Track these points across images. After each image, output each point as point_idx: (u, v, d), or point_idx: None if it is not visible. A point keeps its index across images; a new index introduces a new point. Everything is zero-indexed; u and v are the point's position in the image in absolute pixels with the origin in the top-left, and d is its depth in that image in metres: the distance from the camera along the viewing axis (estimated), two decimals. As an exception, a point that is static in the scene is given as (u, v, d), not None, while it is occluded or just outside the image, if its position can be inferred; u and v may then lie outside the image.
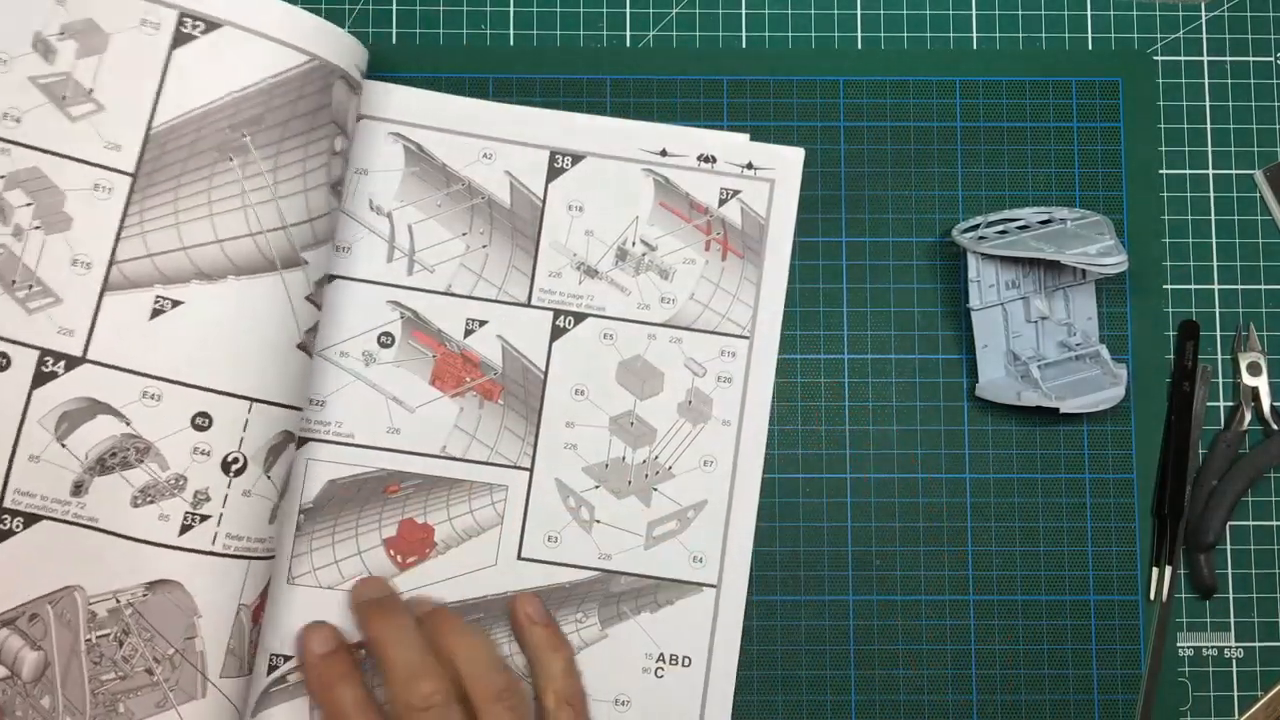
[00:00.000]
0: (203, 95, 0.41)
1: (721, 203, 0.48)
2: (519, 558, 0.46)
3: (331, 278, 0.47)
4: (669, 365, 0.48)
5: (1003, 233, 0.48)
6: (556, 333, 0.47)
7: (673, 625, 0.46)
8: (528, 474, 0.47)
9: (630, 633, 0.46)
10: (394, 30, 0.50)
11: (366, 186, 0.47)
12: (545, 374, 0.47)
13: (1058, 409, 0.46)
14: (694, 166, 0.48)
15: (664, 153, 0.48)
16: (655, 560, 0.47)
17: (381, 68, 0.48)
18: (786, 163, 0.49)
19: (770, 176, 0.49)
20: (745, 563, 0.47)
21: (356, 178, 0.47)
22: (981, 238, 0.48)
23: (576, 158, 0.48)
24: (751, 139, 0.49)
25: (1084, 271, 0.48)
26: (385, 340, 0.47)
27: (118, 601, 0.39)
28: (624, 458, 0.47)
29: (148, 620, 0.39)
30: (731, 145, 0.49)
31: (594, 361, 0.47)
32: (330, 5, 0.50)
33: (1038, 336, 0.49)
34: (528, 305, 0.48)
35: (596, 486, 0.47)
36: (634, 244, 0.48)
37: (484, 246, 0.47)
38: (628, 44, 0.50)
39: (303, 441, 0.46)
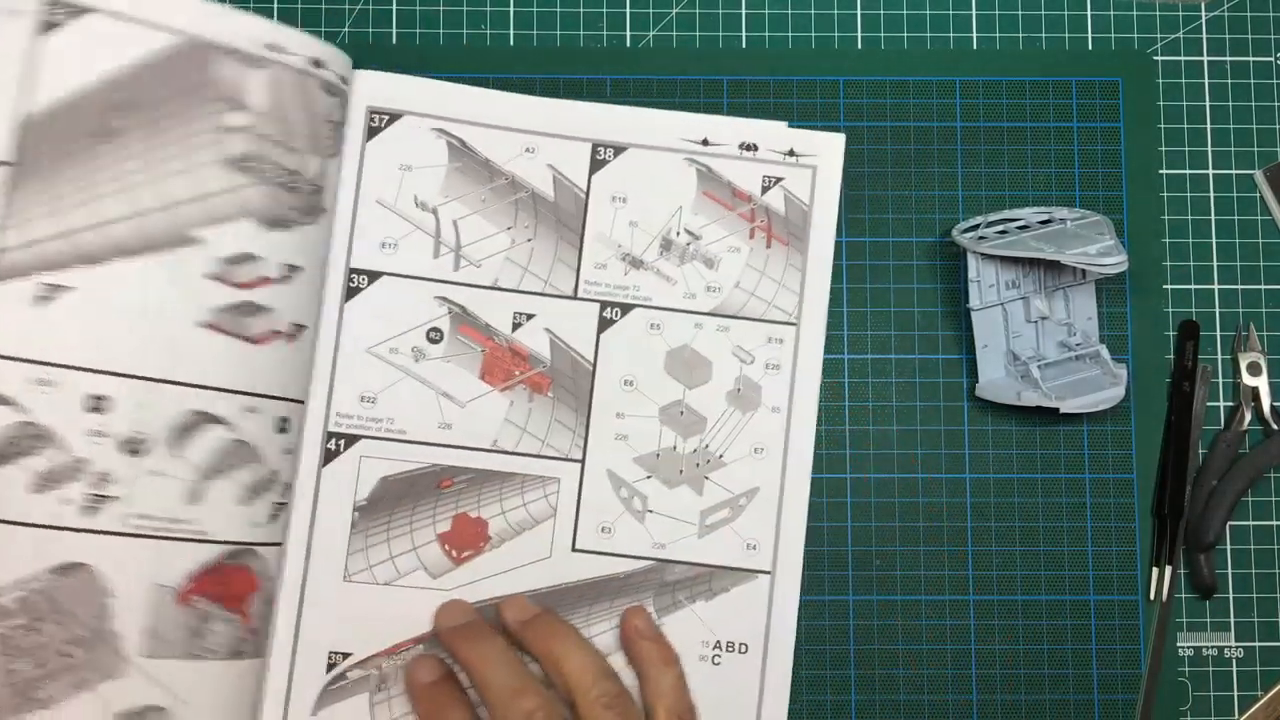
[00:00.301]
0: (74, 81, 0.41)
1: (764, 190, 0.48)
2: (573, 549, 0.46)
3: (378, 274, 0.47)
4: (717, 354, 0.48)
5: (1003, 233, 0.48)
6: (604, 324, 0.48)
7: (728, 612, 0.46)
8: (579, 466, 0.47)
9: (686, 621, 0.46)
10: (394, 30, 0.50)
11: (411, 182, 0.47)
12: (594, 365, 0.47)
13: (1058, 409, 0.46)
14: (736, 155, 0.49)
15: (705, 142, 0.48)
16: (709, 548, 0.47)
17: (382, 68, 0.48)
18: (828, 148, 0.49)
19: (812, 163, 0.49)
20: (799, 548, 0.47)
21: (400, 174, 0.47)
22: (981, 238, 0.48)
23: (619, 149, 0.48)
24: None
25: (1084, 271, 0.48)
26: (434, 336, 0.47)
27: (26, 590, 0.39)
28: (675, 447, 0.47)
29: (60, 604, 0.40)
30: (772, 133, 0.49)
31: (642, 352, 0.47)
32: (330, 5, 0.50)
33: (1038, 336, 0.49)
34: (574, 298, 0.48)
35: (648, 476, 0.47)
36: (678, 234, 0.48)
37: (529, 240, 0.48)
38: (628, 44, 0.50)
39: (355, 439, 0.46)
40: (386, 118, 0.47)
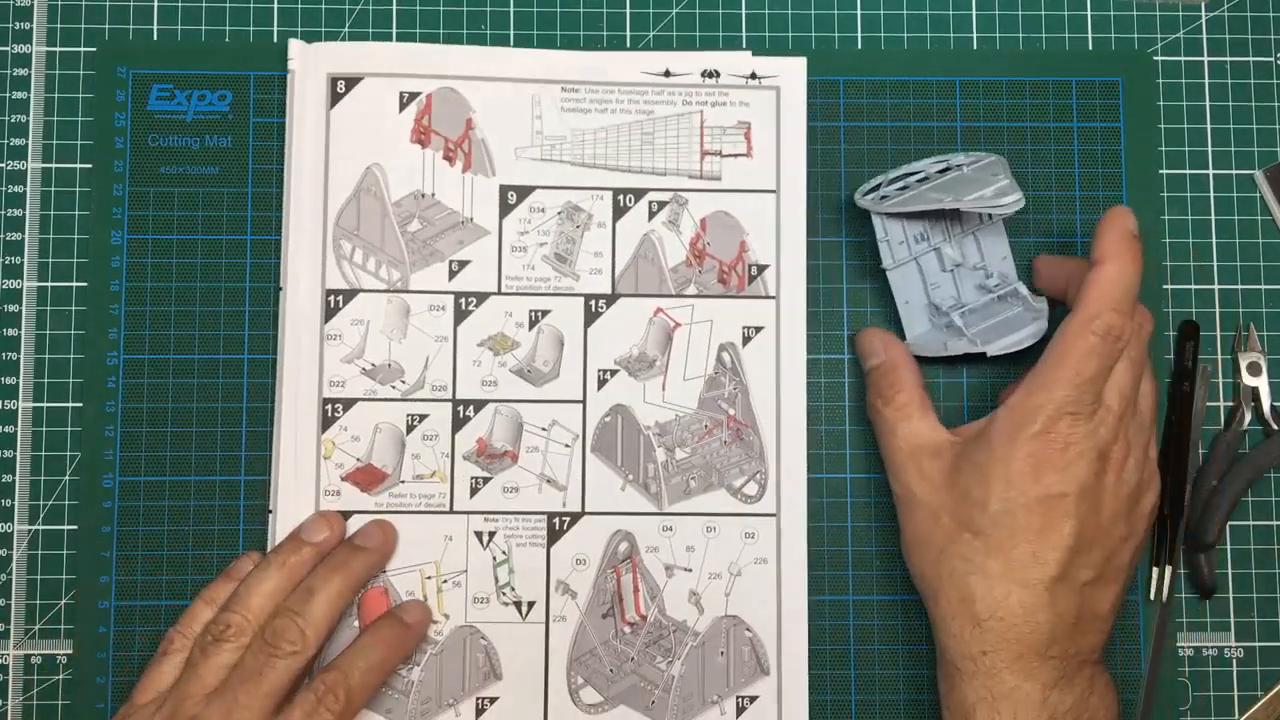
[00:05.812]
0: None
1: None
2: None
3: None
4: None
5: (903, 189, 0.47)
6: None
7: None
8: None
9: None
10: (394, 30, 0.50)
11: None
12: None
13: (984, 353, 0.46)
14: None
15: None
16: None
17: (381, 68, 0.48)
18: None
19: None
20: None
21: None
22: (883, 197, 0.47)
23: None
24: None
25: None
26: None
27: None
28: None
29: None
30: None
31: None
32: (330, 5, 0.50)
33: (956, 284, 0.48)
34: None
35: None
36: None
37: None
38: (628, 44, 0.50)
39: None
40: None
